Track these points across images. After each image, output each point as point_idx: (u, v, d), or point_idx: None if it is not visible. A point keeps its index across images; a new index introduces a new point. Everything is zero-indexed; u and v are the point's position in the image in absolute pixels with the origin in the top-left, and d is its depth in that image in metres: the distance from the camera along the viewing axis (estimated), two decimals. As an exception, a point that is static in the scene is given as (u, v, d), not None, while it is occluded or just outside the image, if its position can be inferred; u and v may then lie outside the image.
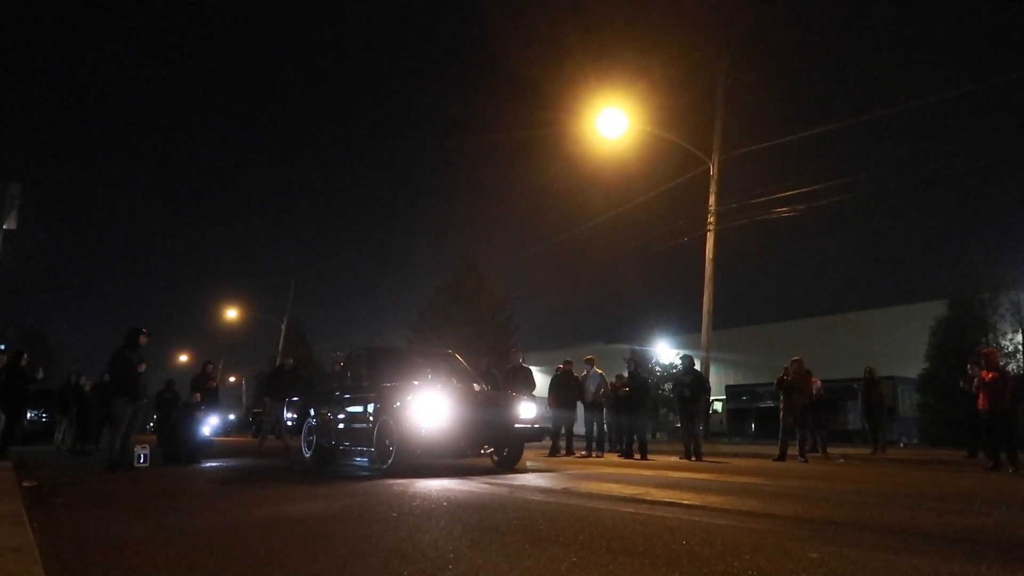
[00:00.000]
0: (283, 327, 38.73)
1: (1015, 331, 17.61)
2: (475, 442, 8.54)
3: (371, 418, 8.79)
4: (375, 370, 9.65)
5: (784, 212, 17.08)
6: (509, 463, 9.26)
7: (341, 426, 9.87)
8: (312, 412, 10.97)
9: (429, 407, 8.06)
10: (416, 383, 8.91)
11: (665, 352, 32.57)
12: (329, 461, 10.42)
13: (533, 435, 9.29)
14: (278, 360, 24.36)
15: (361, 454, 9.90)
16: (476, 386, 9.73)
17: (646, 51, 18.49)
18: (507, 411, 8.96)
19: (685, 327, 30.35)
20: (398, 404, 8.25)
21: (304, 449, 11.06)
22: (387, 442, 8.35)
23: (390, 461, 8.20)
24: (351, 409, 9.64)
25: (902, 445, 15.32)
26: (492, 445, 9.00)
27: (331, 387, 10.86)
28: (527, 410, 9.08)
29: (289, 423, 12.38)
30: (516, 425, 8.89)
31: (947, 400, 15.73)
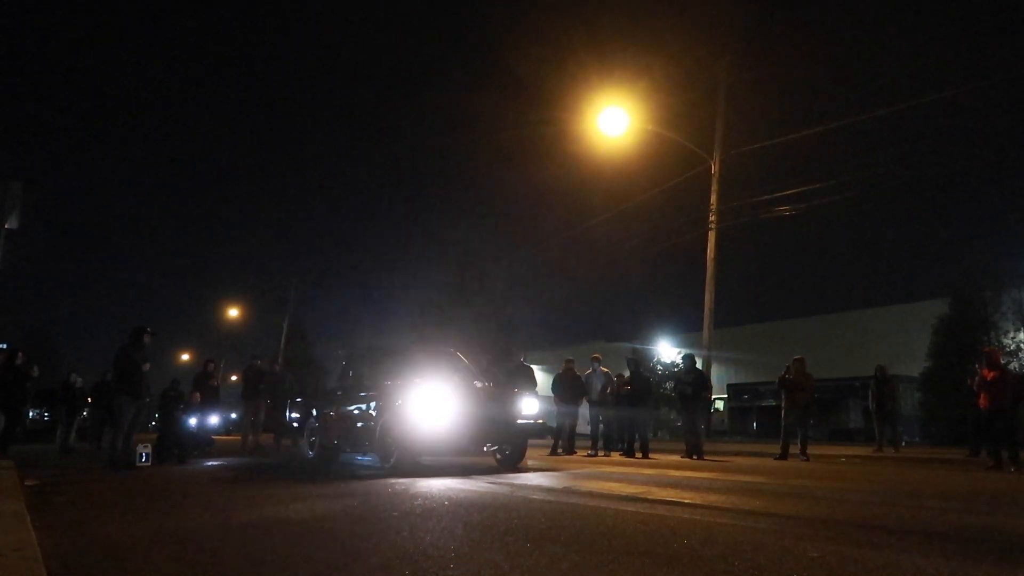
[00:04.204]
0: (284, 326, 38.77)
1: (1017, 329, 17.59)
2: (478, 439, 8.50)
3: (373, 417, 8.73)
4: (377, 369, 9.62)
5: (785, 211, 17.08)
6: (512, 461, 9.21)
7: (343, 425, 9.82)
8: (314, 412, 10.96)
9: (430, 404, 7.98)
10: (417, 381, 8.85)
11: (667, 351, 32.59)
12: (332, 461, 10.39)
13: (536, 431, 9.22)
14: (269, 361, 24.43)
15: (364, 453, 9.85)
16: (478, 383, 9.72)
17: (648, 50, 18.51)
18: (509, 407, 8.88)
19: (687, 326, 30.37)
20: (399, 402, 8.21)
21: (306, 449, 11.00)
22: (389, 441, 8.28)
23: (392, 460, 8.16)
24: (353, 408, 9.60)
25: (904, 444, 15.30)
26: (495, 441, 8.91)
27: (333, 387, 10.84)
28: (529, 405, 9.01)
29: (295, 424, 12.34)
30: (519, 421, 8.82)
31: (949, 399, 15.71)
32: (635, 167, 20.23)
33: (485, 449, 8.94)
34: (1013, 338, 17.47)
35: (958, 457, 11.75)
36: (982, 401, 10.63)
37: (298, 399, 12.33)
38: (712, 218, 18.28)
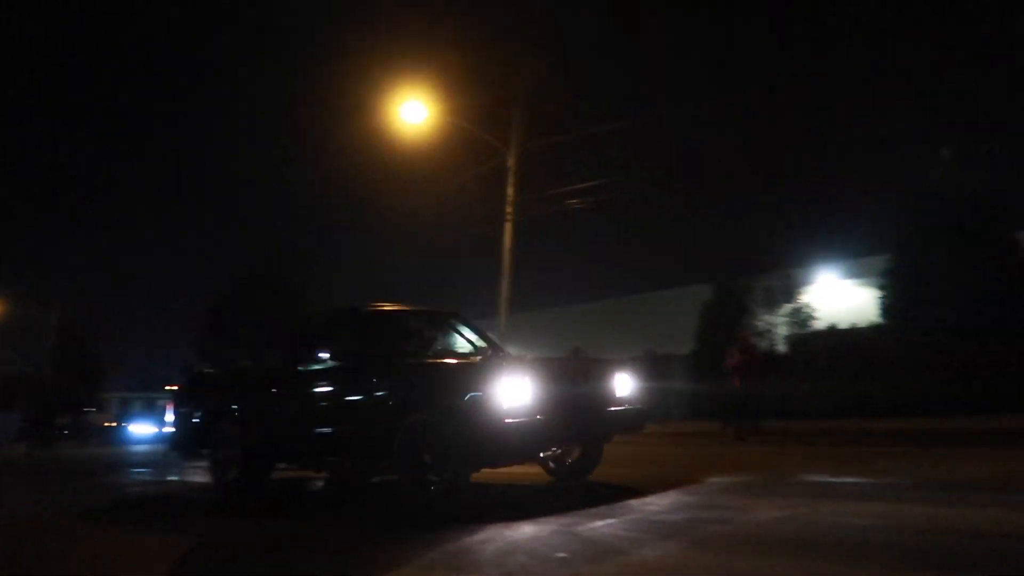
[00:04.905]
0: (53, 324, 34.58)
1: (766, 313, 20.13)
2: (566, 434, 5.83)
3: (391, 414, 5.57)
4: (381, 342, 6.57)
5: (576, 204, 18.33)
6: (584, 468, 6.50)
7: (311, 429, 6.34)
8: (234, 409, 7.04)
9: (515, 391, 5.11)
10: (487, 358, 6.34)
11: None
12: (262, 489, 7.01)
13: (632, 421, 6.29)
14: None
15: (346, 473, 7.23)
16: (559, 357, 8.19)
17: (449, 46, 18.68)
18: (602, 387, 6.14)
19: (482, 311, 31.18)
20: (467, 391, 5.15)
21: (215, 473, 7.06)
22: (427, 456, 5.33)
23: (443, 481, 5.24)
24: (331, 403, 6.26)
25: (676, 419, 17.02)
26: (582, 436, 6.13)
27: (268, 368, 7.60)
28: (624, 385, 6.24)
29: (193, 430, 7.55)
30: (610, 408, 6.07)
31: (711, 377, 17.69)
32: (438, 159, 20.37)
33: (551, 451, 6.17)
34: (763, 320, 19.94)
35: (714, 430, 13.30)
36: (735, 381, 12.21)
37: (185, 388, 8.24)
38: (509, 210, 19.00)
